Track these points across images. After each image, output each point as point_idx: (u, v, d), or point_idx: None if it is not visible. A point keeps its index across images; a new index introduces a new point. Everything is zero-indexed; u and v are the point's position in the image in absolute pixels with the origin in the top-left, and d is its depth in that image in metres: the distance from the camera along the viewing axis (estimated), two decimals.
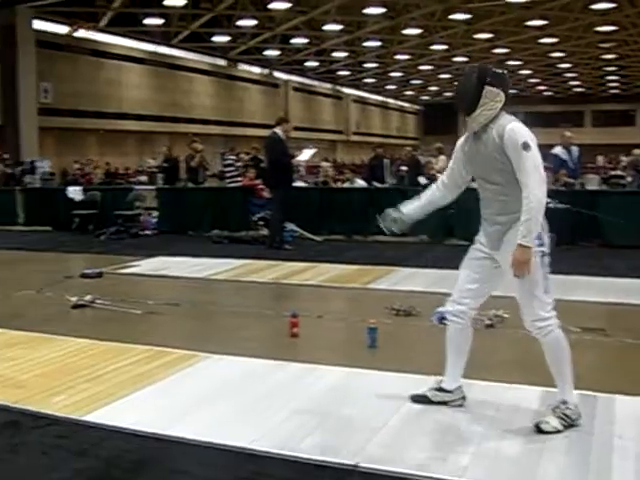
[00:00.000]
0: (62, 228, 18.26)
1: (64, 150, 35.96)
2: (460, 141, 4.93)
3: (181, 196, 17.69)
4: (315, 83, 60.23)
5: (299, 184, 18.36)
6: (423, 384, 5.30)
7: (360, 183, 18.06)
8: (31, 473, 4.23)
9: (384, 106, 72.61)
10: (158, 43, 42.61)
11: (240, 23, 38.84)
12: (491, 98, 4.58)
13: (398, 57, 50.08)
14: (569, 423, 4.60)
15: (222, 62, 49.11)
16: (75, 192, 18.55)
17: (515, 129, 4.50)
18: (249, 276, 10.82)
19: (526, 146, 4.42)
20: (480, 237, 4.86)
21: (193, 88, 45.99)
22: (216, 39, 42.75)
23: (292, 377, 5.89)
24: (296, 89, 57.18)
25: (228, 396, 5.44)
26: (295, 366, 6.14)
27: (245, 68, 51.65)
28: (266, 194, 15.23)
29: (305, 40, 44.15)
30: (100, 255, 13.52)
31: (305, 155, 16.37)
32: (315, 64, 53.20)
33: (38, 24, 34.41)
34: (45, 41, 34.82)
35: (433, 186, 5.14)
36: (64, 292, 9.36)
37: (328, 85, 62.15)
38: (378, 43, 44.99)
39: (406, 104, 76.72)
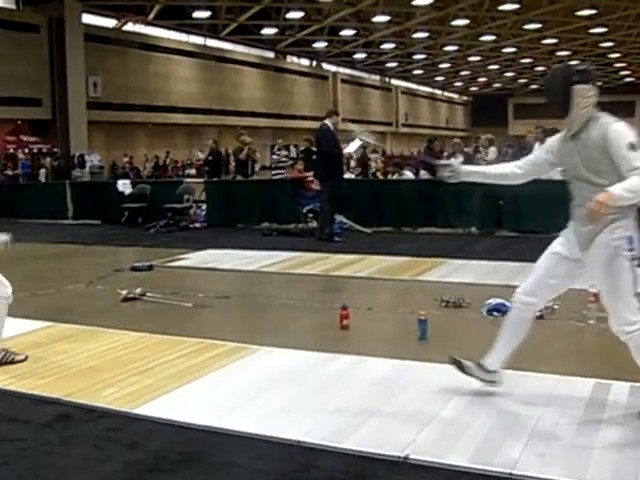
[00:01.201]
0: (111, 221, 18.40)
1: (113, 144, 36.30)
2: (557, 136, 4.83)
3: (230, 189, 17.70)
4: (364, 75, 60.16)
5: (349, 176, 18.29)
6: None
7: (409, 175, 17.91)
8: (82, 465, 4.21)
9: (433, 97, 72.36)
10: (206, 36, 42.78)
11: (288, 15, 38.88)
12: (583, 96, 4.50)
13: (446, 48, 49.82)
14: None
15: (270, 54, 49.21)
16: (124, 185, 18.66)
17: (620, 130, 4.42)
18: (299, 268, 10.78)
19: (632, 146, 4.34)
20: (568, 234, 4.76)
21: (241, 81, 46.14)
22: (264, 31, 42.84)
23: (342, 369, 5.83)
24: (345, 81, 57.13)
25: (278, 388, 5.39)
26: (345, 358, 6.08)
27: (293, 60, 51.69)
28: (315, 186, 15.17)
29: (353, 32, 44.11)
30: (150, 248, 13.56)
31: (352, 147, 16.43)
32: (363, 56, 53.14)
33: (87, 18, 34.76)
34: (94, 35, 35.18)
35: (512, 163, 5.08)
36: (114, 285, 9.39)
37: (377, 77, 62.04)
38: (426, 34, 44.82)
39: (454, 95, 76.38)
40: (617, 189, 4.25)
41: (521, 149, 16.62)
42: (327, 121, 14.02)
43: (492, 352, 5.01)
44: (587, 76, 4.56)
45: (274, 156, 23.53)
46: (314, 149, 17.31)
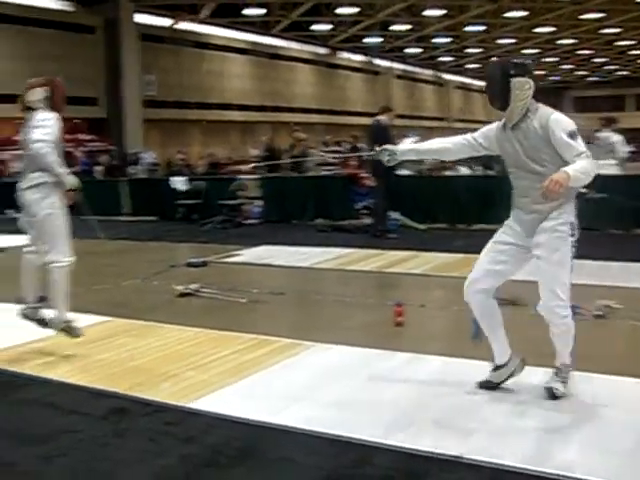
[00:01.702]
0: (167, 218, 18.56)
1: (168, 141, 36.54)
2: (495, 125, 5.05)
3: (284, 185, 17.72)
4: (417, 70, 59.78)
5: (403, 172, 18.19)
6: (529, 375, 5.18)
7: (464, 171, 17.77)
8: (138, 458, 4.27)
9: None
10: (259, 33, 42.90)
11: (340, 11, 38.79)
12: (520, 88, 4.71)
13: (501, 41, 49.22)
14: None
15: (323, 50, 49.15)
16: (180, 182, 18.81)
17: (559, 119, 4.64)
18: (353, 265, 10.77)
19: (573, 134, 4.55)
20: (512, 224, 4.97)
21: (294, 77, 46.21)
22: (316, 27, 42.81)
23: (396, 366, 5.81)
24: (398, 76, 56.86)
25: (332, 385, 5.39)
26: (399, 355, 6.06)
27: (346, 56, 51.58)
28: (369, 182, 15.13)
29: (406, 26, 43.82)
30: (205, 244, 13.66)
31: (406, 143, 16.40)
32: (416, 50, 52.78)
33: (141, 18, 35.07)
34: (148, 34, 35.52)
35: (446, 139, 5.26)
36: (170, 281, 9.48)
37: (430, 72, 61.61)
38: (481, 27, 44.29)
39: None
40: (571, 170, 4.40)
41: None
42: (381, 117, 13.98)
43: (493, 349, 5.15)
44: (524, 69, 4.77)
45: (321, 153, 23.51)
46: (359, 146, 17.27)
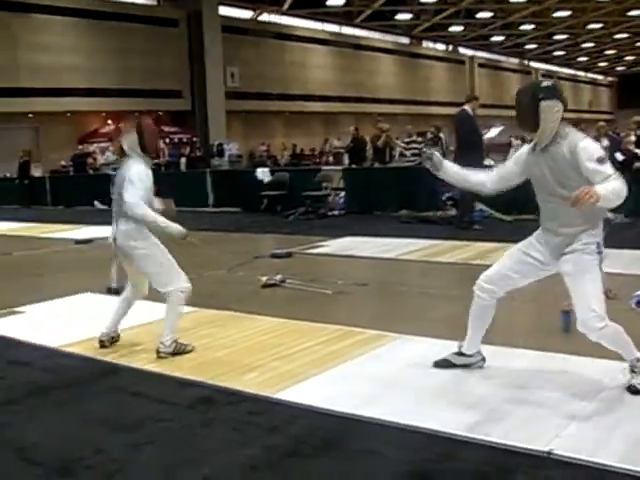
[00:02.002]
0: (250, 209, 18.68)
1: (250, 132, 36.90)
2: (526, 148, 5.08)
3: (368, 176, 17.67)
4: (501, 58, 59.04)
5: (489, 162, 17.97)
6: (620, 373, 5.03)
7: None
8: (223, 447, 4.30)
9: (575, 79, 70.33)
10: (341, 23, 42.90)
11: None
12: (550, 111, 4.74)
13: (590, 26, 48.15)
14: None
15: (405, 40, 48.93)
16: (264, 173, 18.92)
17: (588, 146, 4.68)
18: (437, 257, 10.67)
19: (601, 160, 4.60)
20: (539, 244, 5.07)
21: (377, 67, 46.12)
22: (399, 17, 42.61)
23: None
24: (482, 65, 56.25)
25: (417, 377, 5.35)
26: (486, 348, 5.95)
27: (429, 45, 51.25)
28: None
29: (490, 14, 43.30)
30: (289, 235, 13.71)
31: (491, 133, 16.20)
32: (501, 38, 52.12)
33: (224, 10, 35.42)
34: (231, 26, 35.90)
35: (484, 174, 5.36)
36: (254, 272, 9.53)
37: (515, 60, 60.76)
38: (568, 13, 43.41)
39: (599, 76, 73.98)
40: (602, 189, 4.43)
41: None
42: (466, 106, 13.81)
43: (467, 339, 5.38)
44: (552, 92, 4.82)
45: (401, 143, 23.44)
46: (441, 136, 17.09)
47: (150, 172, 6.25)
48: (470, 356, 5.45)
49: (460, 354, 5.46)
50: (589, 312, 4.71)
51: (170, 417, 4.79)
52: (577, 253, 4.79)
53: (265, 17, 39.02)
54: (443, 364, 5.49)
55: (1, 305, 8.24)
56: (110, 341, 6.49)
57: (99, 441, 4.45)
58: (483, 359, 5.48)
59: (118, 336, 6.56)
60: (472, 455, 4.05)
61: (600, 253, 4.78)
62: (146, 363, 5.94)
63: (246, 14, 38.35)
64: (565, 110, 4.80)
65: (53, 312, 7.85)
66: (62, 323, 7.43)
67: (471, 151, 13.24)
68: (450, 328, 6.55)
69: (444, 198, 15.57)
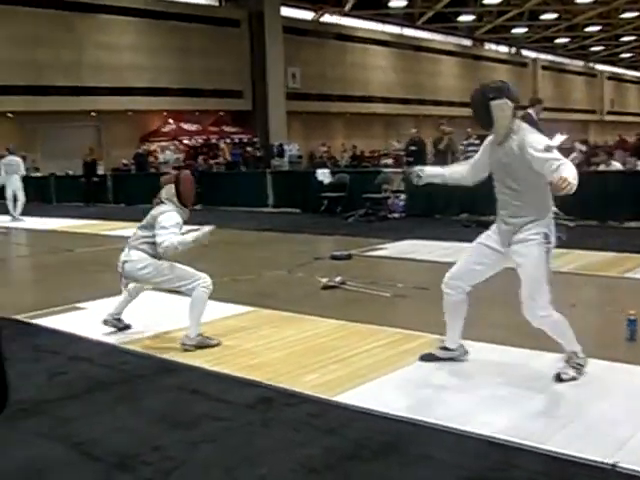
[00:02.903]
0: (310, 210, 18.66)
1: (311, 133, 36.98)
2: (488, 140, 5.39)
3: None
4: (566, 61, 58.29)
5: None
6: None
7: (616, 166, 17.04)
8: (283, 447, 4.29)
9: None
10: (402, 25, 42.79)
11: (486, 1, 38.24)
12: (499, 110, 5.06)
13: None
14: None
15: (467, 42, 48.62)
16: (324, 175, 18.90)
17: (534, 138, 4.98)
18: None
19: (548, 148, 4.86)
20: (494, 232, 5.38)
21: (438, 69, 45.92)
22: (461, 18, 42.35)
23: (545, 367, 5.58)
24: (545, 67, 55.60)
25: (478, 383, 5.29)
26: (548, 356, 5.84)
27: (491, 47, 50.85)
28: None
29: (555, 15, 42.76)
30: (348, 237, 13.66)
31: (556, 141, 16.11)
32: (565, 40, 51.43)
33: (285, 11, 35.55)
34: (292, 27, 36.05)
35: (462, 164, 5.81)
36: (314, 273, 9.52)
37: (580, 62, 59.91)
38: (636, 14, 42.65)
39: None
40: (572, 177, 4.60)
41: None
42: (530, 110, 13.62)
43: (447, 334, 5.71)
44: (500, 92, 5.11)
45: (460, 146, 23.25)
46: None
47: (182, 221, 6.63)
48: (453, 350, 5.73)
49: (444, 348, 5.74)
50: (531, 301, 5.09)
51: (229, 416, 4.79)
52: (525, 244, 5.06)
53: (327, 18, 39.06)
54: (428, 358, 5.76)
55: (63, 301, 8.37)
56: (112, 323, 6.94)
57: (157, 438, 4.47)
58: (465, 352, 5.78)
59: (121, 322, 7.01)
60: (532, 464, 3.98)
61: (548, 243, 5.06)
62: (205, 362, 5.96)
63: (307, 15, 38.44)
64: (516, 107, 5.13)
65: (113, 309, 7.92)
66: (123, 320, 7.48)
67: None
68: (512, 334, 6.46)
69: None
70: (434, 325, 6.78)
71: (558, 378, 5.18)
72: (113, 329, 6.93)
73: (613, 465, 3.87)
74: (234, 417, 4.77)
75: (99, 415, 4.93)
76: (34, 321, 7.60)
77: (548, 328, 5.18)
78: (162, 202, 6.71)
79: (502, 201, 5.27)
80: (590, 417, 4.58)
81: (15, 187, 19.49)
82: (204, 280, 6.40)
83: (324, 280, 8.89)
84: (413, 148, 19.16)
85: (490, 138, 5.37)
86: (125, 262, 6.60)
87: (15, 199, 19.56)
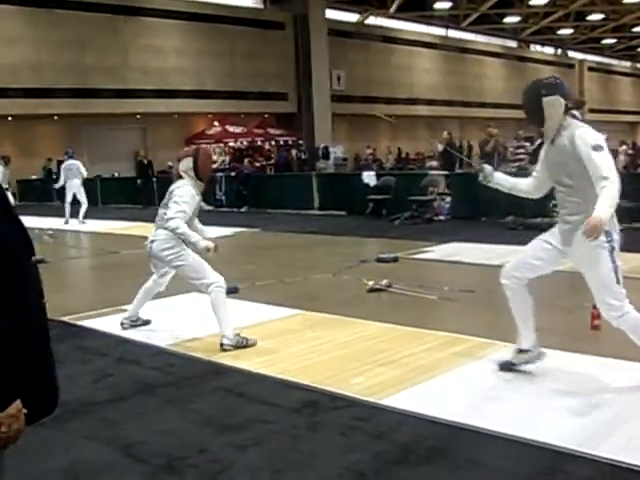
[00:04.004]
0: (356, 213, 18.63)
1: (356, 136, 36.95)
2: (542, 150, 5.34)
3: (474, 181, 17.36)
4: (613, 62, 57.65)
5: None
6: None
7: None
8: (329, 452, 4.26)
9: None
10: (447, 27, 42.64)
11: (532, 2, 37.94)
12: (551, 106, 5.02)
13: None
14: None
15: (513, 44, 48.30)
16: (370, 177, 18.88)
17: (584, 133, 4.91)
18: None
19: (597, 147, 4.78)
20: (555, 231, 5.25)
21: (483, 71, 45.66)
22: (507, 20, 42.07)
23: (593, 372, 5.54)
24: (591, 69, 55.03)
25: (525, 387, 5.24)
26: (596, 360, 5.77)
27: (537, 49, 50.46)
28: None
29: (601, 16, 42.30)
30: (394, 240, 13.59)
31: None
32: (613, 41, 50.87)
33: (330, 13, 35.59)
34: (337, 29, 36.08)
35: (528, 179, 5.57)
36: (360, 275, 9.48)
37: (627, 63, 59.23)
38: None
39: None
40: (601, 210, 4.62)
41: None
42: (575, 112, 13.53)
43: (519, 333, 5.53)
44: (553, 88, 5.11)
45: (510, 148, 23.09)
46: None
47: (198, 196, 6.80)
48: (528, 351, 5.52)
49: (520, 351, 5.56)
50: (604, 305, 4.98)
51: (276, 419, 4.78)
52: (587, 245, 4.85)
53: (371, 20, 39.02)
54: (508, 366, 5.58)
55: (110, 302, 8.45)
56: (131, 324, 7.21)
57: (204, 441, 4.47)
58: (541, 354, 5.55)
59: (138, 319, 7.31)
60: (581, 470, 3.93)
61: (611, 241, 4.90)
62: (252, 364, 5.95)
63: (352, 17, 38.43)
64: (568, 105, 5.09)
65: (159, 311, 7.94)
66: (169, 322, 7.55)
67: None
68: (560, 338, 6.39)
69: (552, 204, 15.20)
70: (481, 328, 6.73)
71: None
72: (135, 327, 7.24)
73: None
74: (280, 420, 4.75)
75: (146, 417, 4.94)
76: (80, 323, 7.69)
77: (627, 328, 5.01)
78: (180, 176, 6.82)
79: (560, 200, 5.19)
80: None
81: (77, 191, 19.55)
82: (216, 281, 6.47)
83: (370, 283, 8.85)
84: (441, 150, 19.05)
85: (544, 145, 5.31)
86: (152, 241, 6.74)
87: (77, 203, 19.57)
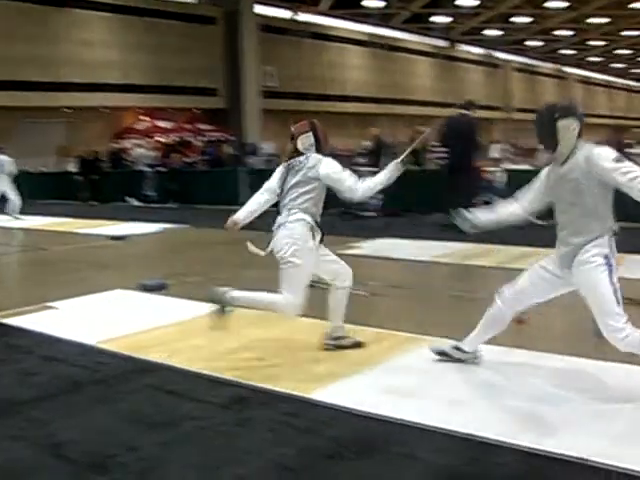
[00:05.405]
0: None
1: (287, 132, 36.81)
2: (545, 171, 5.26)
3: (403, 177, 17.51)
4: (537, 63, 58.75)
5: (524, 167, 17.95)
6: None
7: None
8: (258, 448, 4.25)
9: (610, 86, 69.86)
10: (378, 25, 42.90)
11: (460, 3, 38.41)
12: (566, 129, 4.93)
13: (626, 33, 47.84)
14: None
15: (442, 43, 48.81)
16: None
17: (603, 150, 4.85)
18: (472, 260, 10.59)
19: (619, 159, 4.76)
20: (554, 255, 5.20)
21: (413, 70, 46.07)
22: (436, 19, 42.53)
23: (516, 364, 5.68)
24: (517, 69, 55.99)
25: (452, 380, 5.33)
26: (518, 352, 5.91)
27: (465, 49, 51.09)
28: (487, 176, 15.02)
29: (527, 19, 43.08)
30: (325, 236, 13.58)
31: (493, 151, 16.95)
32: (537, 43, 51.83)
33: (261, 9, 35.48)
34: (268, 25, 36.00)
35: (514, 205, 5.49)
36: None
37: (550, 65, 60.45)
38: (605, 20, 43.16)
39: (634, 83, 73.45)
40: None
41: None
42: (465, 111, 14.16)
43: (471, 336, 5.57)
44: (569, 111, 5.03)
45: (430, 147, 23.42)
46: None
47: None
48: (467, 353, 5.63)
49: (458, 348, 5.65)
50: (606, 327, 4.85)
51: (205, 416, 4.77)
52: (586, 267, 4.89)
53: (304, 17, 39.05)
54: (439, 352, 5.72)
55: (35, 300, 8.28)
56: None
57: (133, 439, 4.43)
58: (476, 357, 5.66)
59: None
60: (508, 460, 4.02)
61: (609, 265, 4.87)
62: (180, 361, 5.92)
63: (285, 14, 38.42)
64: (581, 126, 4.99)
65: (86, 308, 7.86)
66: (95, 320, 7.44)
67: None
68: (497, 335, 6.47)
69: (478, 201, 15.47)
70: (410, 323, 6.80)
71: None
72: None
73: (584, 459, 3.94)
74: (209, 417, 4.74)
75: (74, 416, 4.87)
76: (6, 321, 7.52)
77: (634, 349, 4.86)
78: (301, 154, 6.17)
79: (565, 221, 5.09)
80: (562, 413, 4.64)
81: (6, 188, 19.19)
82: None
83: None
84: (369, 148, 19.19)
85: (546, 169, 5.24)
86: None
87: (5, 200, 19.23)
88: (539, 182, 5.31)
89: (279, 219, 6.17)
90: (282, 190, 6.17)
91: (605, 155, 4.80)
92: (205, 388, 5.32)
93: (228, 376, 5.50)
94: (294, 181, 6.07)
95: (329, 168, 6.02)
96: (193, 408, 4.93)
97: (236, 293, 6.10)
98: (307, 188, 6.03)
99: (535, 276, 5.27)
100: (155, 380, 5.55)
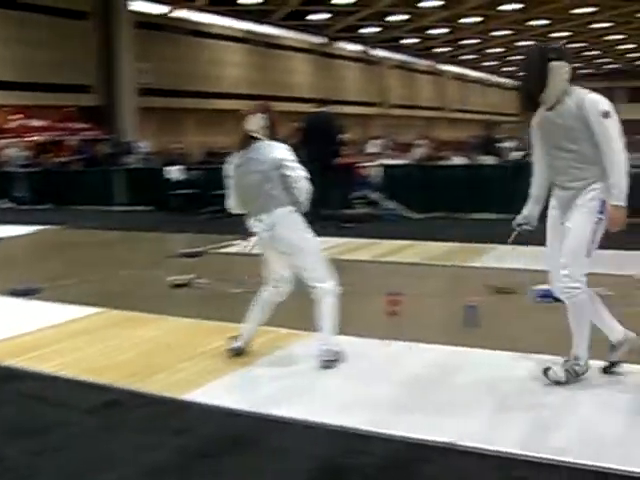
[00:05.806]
0: (164, 208, 18.41)
1: (165, 129, 36.45)
2: (534, 122, 5.11)
3: None
4: (413, 60, 59.79)
5: (399, 162, 18.22)
6: (518, 363, 5.30)
7: (457, 161, 17.69)
8: (131, 451, 4.20)
9: (483, 82, 71.76)
10: (256, 22, 42.84)
11: (337, 0, 38.71)
12: (558, 72, 4.82)
13: (496, 33, 49.41)
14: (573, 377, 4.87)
15: (320, 40, 49.09)
16: (175, 172, 18.70)
17: (595, 98, 4.77)
18: (347, 254, 10.67)
19: (607, 114, 4.69)
20: (552, 203, 5.08)
21: (291, 66, 46.17)
22: (314, 17, 42.76)
23: (391, 355, 5.79)
24: (394, 66, 56.83)
25: (328, 374, 5.38)
26: (395, 344, 6.02)
27: (343, 46, 51.54)
28: (364, 172, 15.17)
29: (404, 17, 43.80)
30: (201, 234, 13.53)
31: (371, 147, 17.28)
32: (413, 41, 52.76)
33: (136, 5, 34.86)
34: (145, 22, 35.40)
35: (538, 180, 5.25)
36: (165, 271, 9.38)
37: (426, 62, 61.62)
38: (477, 19, 44.39)
39: (506, 80, 75.56)
40: (615, 201, 4.64)
41: None
42: (324, 108, 14.62)
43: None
44: (562, 53, 4.91)
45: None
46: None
47: None
48: (622, 344, 5.11)
49: (612, 347, 5.10)
50: (563, 269, 4.79)
51: (75, 422, 4.67)
52: (581, 212, 4.80)
53: (180, 13, 38.65)
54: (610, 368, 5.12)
55: None
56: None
57: (0, 449, 4.30)
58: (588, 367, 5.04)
59: None
60: (380, 449, 4.10)
61: (601, 213, 4.75)
62: (50, 367, 5.76)
63: (162, 10, 37.91)
64: (573, 71, 4.90)
65: None
66: None
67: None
68: (361, 325, 6.59)
69: (353, 197, 15.71)
70: (286, 319, 6.78)
71: (545, 373, 4.91)
72: None
73: (453, 444, 4.06)
74: (80, 423, 4.64)
75: None
76: None
77: (571, 305, 4.80)
78: (256, 138, 5.83)
79: (559, 167, 4.94)
80: (433, 401, 4.76)
81: None
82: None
83: (173, 278, 8.79)
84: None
85: (535, 120, 5.07)
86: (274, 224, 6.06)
87: None
88: (534, 141, 5.19)
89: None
90: None
91: (596, 105, 4.73)
92: (75, 393, 5.22)
93: (99, 380, 5.39)
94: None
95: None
96: (63, 414, 4.81)
97: None
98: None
99: (553, 235, 5.06)
100: (23, 387, 5.40)
